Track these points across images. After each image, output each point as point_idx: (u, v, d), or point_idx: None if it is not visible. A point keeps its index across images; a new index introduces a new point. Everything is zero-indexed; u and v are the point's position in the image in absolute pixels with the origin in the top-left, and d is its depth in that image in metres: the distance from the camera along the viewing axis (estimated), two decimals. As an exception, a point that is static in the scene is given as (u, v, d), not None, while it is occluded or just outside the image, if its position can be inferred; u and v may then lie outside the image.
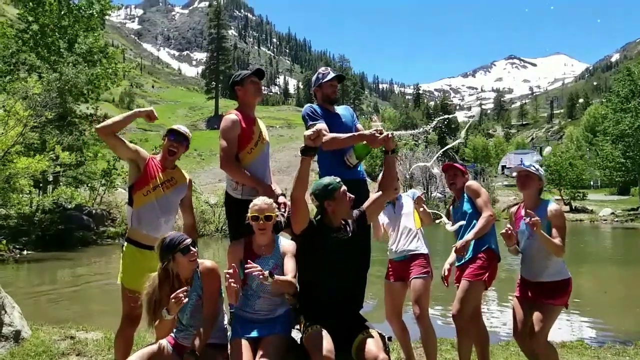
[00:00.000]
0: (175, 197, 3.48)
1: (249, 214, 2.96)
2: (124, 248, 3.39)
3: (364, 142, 3.29)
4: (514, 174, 3.65)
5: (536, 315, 3.29)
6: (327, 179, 2.94)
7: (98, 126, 3.41)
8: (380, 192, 3.22)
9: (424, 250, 3.80)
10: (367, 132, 3.26)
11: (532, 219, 3.17)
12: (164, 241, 2.80)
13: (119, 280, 3.36)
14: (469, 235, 3.53)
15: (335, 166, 3.43)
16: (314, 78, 3.81)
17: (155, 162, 3.43)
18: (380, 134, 3.11)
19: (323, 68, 3.85)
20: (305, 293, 2.97)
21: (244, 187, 3.41)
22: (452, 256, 3.76)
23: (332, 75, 3.68)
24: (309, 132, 2.81)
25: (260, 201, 2.98)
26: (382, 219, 3.98)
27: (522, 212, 3.46)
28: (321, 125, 3.49)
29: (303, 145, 2.82)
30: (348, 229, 2.98)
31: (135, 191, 3.34)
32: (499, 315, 7.15)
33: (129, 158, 3.41)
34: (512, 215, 3.69)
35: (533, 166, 3.56)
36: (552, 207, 3.41)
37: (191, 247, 2.82)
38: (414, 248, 3.78)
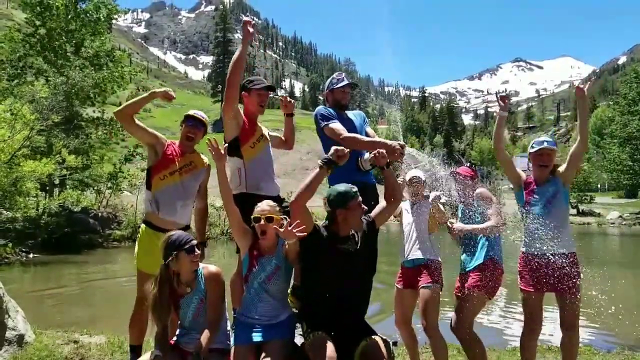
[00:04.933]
0: (193, 181, 3.51)
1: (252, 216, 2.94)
2: (140, 230, 3.43)
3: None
4: (537, 150, 3.57)
5: (568, 311, 3.36)
6: (343, 187, 2.87)
7: (115, 110, 3.43)
8: (385, 204, 3.18)
9: (435, 257, 3.71)
10: (389, 142, 3.28)
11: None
12: (169, 238, 2.81)
13: (135, 263, 3.41)
14: (470, 226, 3.54)
15: (347, 168, 3.39)
16: (327, 82, 3.84)
17: (174, 146, 3.48)
18: (402, 147, 3.16)
19: (337, 73, 3.89)
20: (307, 299, 2.95)
21: (247, 182, 3.44)
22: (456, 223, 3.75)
23: (345, 82, 3.72)
24: (340, 147, 2.83)
25: (264, 204, 2.98)
26: (406, 217, 3.85)
27: (533, 181, 3.60)
28: (336, 125, 3.50)
29: (327, 157, 2.83)
30: (356, 238, 2.91)
31: (153, 175, 3.39)
32: (504, 321, 7.08)
33: (148, 143, 3.45)
34: (522, 184, 3.67)
35: (554, 143, 3.67)
36: (560, 170, 3.56)
37: (196, 249, 2.83)
38: (424, 255, 3.69)
